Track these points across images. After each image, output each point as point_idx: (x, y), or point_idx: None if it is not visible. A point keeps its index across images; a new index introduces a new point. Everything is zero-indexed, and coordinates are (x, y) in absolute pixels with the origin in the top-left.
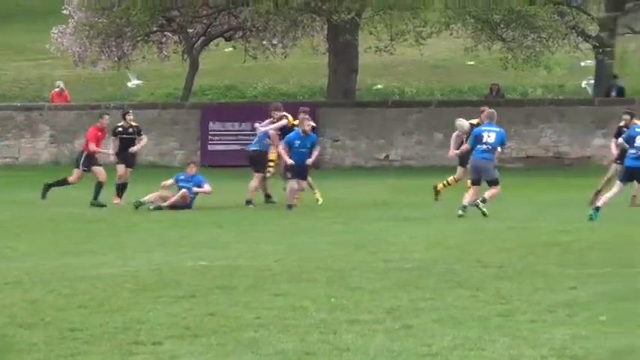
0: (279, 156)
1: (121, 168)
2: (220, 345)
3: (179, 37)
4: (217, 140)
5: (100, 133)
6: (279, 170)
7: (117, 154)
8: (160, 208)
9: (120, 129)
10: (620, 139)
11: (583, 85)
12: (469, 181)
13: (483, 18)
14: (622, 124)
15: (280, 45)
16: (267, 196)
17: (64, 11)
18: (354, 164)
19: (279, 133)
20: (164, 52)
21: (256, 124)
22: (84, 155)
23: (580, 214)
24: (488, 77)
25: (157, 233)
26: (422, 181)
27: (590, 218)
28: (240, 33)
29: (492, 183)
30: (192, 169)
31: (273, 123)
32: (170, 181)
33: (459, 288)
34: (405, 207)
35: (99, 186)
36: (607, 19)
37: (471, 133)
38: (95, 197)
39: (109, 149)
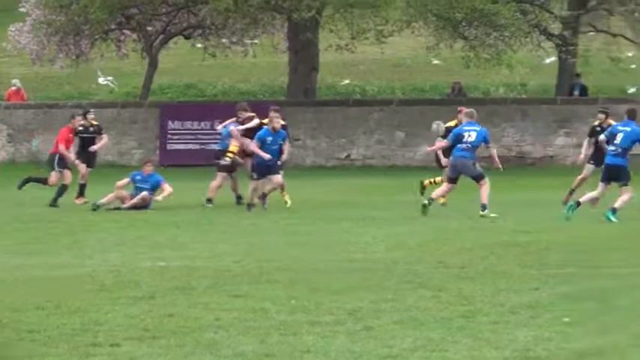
0: (243, 155)
1: (82, 167)
2: (179, 346)
3: (138, 35)
4: (176, 139)
5: (71, 135)
6: (246, 170)
7: (77, 153)
8: (118, 208)
9: (80, 128)
10: (602, 137)
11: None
12: (443, 177)
13: (445, 16)
14: (596, 123)
15: (240, 43)
16: (239, 198)
17: (22, 9)
18: (315, 164)
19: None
20: (123, 50)
21: (218, 127)
22: (57, 157)
23: (541, 214)
24: (451, 76)
25: (115, 233)
26: (383, 180)
27: (567, 217)
28: (200, 31)
29: (478, 179)
30: (148, 169)
31: (241, 123)
32: (126, 181)
33: (420, 289)
34: (366, 207)
35: (63, 188)
36: (570, 18)
37: (450, 133)
38: (56, 198)
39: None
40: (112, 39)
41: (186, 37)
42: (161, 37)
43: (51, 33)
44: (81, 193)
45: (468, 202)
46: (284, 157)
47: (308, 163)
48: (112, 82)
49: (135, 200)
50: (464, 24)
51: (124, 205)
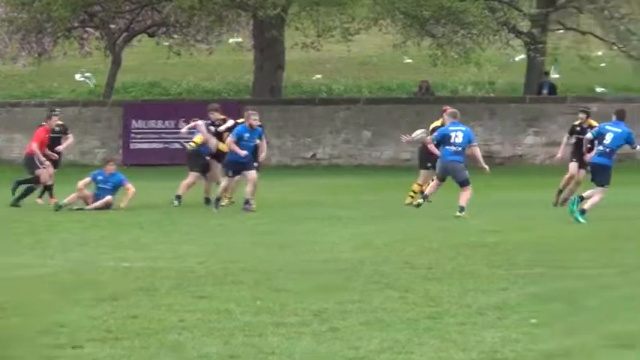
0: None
1: (50, 167)
2: (143, 348)
3: (101, 33)
4: (140, 138)
5: (47, 135)
6: (215, 177)
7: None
8: (81, 209)
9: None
10: (589, 135)
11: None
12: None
13: (413, 14)
14: (577, 122)
15: (205, 41)
16: (208, 200)
17: None
18: (280, 163)
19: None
20: (86, 48)
21: (183, 130)
22: (35, 157)
23: (510, 214)
24: (418, 74)
25: (78, 233)
26: (350, 180)
27: (572, 211)
28: (164, 29)
29: (463, 184)
30: (110, 168)
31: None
32: (87, 180)
33: (387, 290)
34: (332, 207)
35: (31, 189)
36: (539, 15)
37: (436, 132)
38: (20, 198)
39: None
40: (75, 37)
41: (150, 35)
42: (124, 34)
43: (13, 31)
44: (51, 194)
45: (440, 205)
46: (262, 155)
47: (274, 162)
48: (88, 80)
49: (98, 204)
50: (431, 22)
51: (88, 207)
